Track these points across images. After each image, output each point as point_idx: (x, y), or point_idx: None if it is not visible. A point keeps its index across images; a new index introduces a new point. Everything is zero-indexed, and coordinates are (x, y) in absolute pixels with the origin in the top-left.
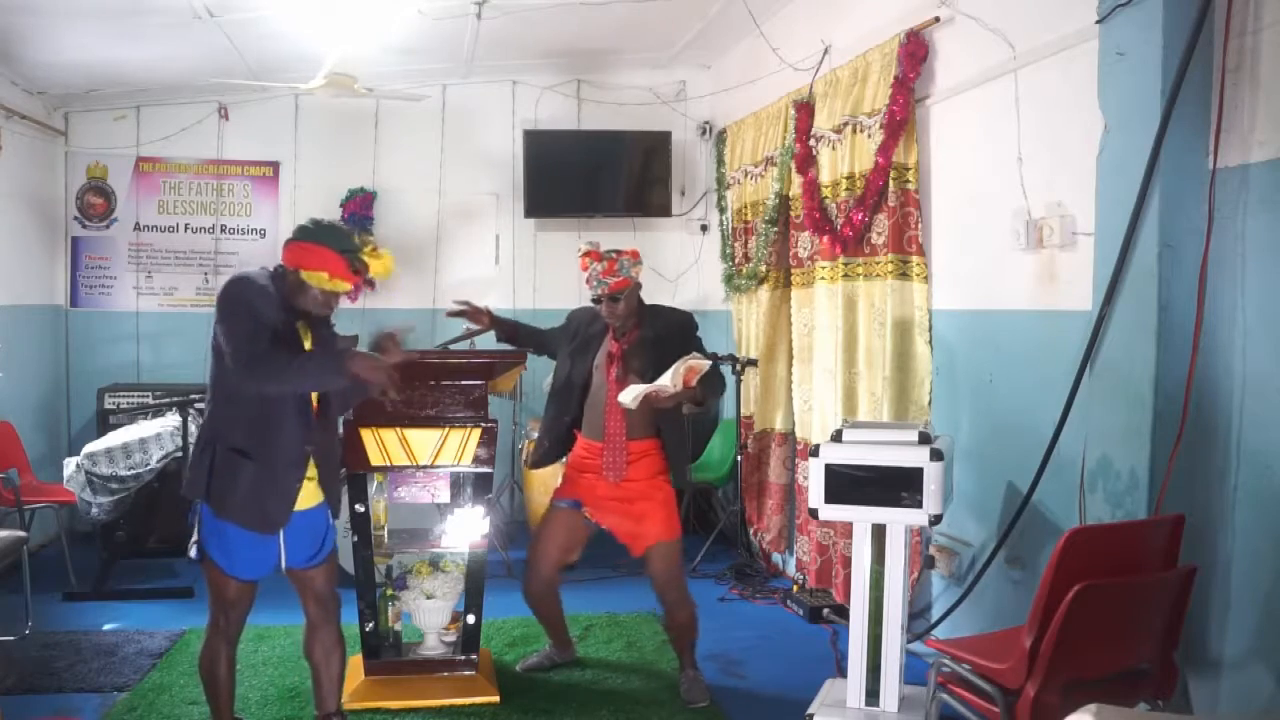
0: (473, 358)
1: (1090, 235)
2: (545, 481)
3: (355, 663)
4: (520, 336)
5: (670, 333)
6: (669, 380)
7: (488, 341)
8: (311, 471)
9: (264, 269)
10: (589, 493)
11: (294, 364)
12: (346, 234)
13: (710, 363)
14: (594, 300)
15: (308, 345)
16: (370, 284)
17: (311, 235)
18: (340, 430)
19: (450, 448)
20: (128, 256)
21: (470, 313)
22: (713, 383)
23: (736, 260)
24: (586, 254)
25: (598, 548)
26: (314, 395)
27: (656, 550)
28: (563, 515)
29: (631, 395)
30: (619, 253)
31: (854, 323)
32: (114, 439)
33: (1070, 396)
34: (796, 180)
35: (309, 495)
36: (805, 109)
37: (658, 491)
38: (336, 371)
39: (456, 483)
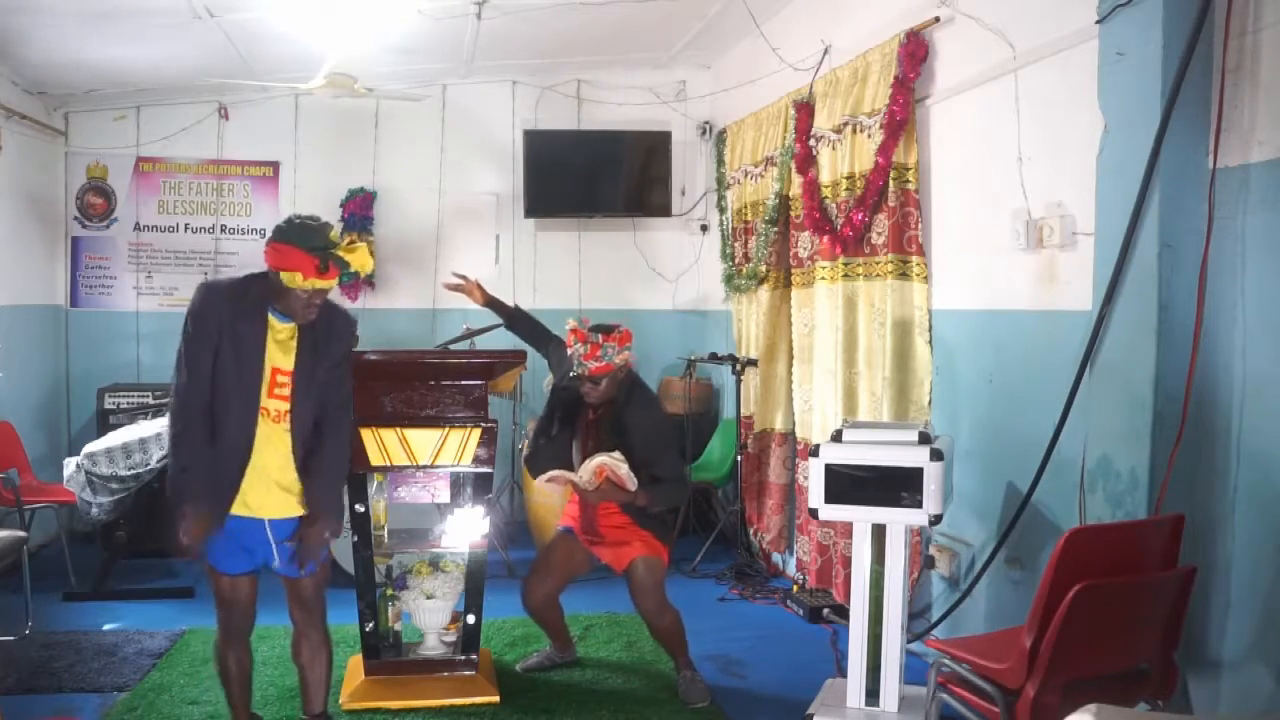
0: (473, 358)
1: (1090, 235)
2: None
3: (355, 663)
4: (516, 321)
5: (639, 425)
6: (579, 476)
7: (488, 341)
8: (290, 482)
9: (248, 273)
10: (576, 522)
11: (176, 424)
12: (319, 231)
13: (625, 465)
14: (574, 378)
15: (282, 349)
16: (370, 282)
17: (284, 235)
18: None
19: (450, 448)
20: (128, 256)
21: (466, 287)
22: (666, 494)
23: (736, 260)
24: (573, 330)
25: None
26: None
27: (637, 563)
28: (563, 541)
29: (545, 477)
30: (606, 335)
31: (854, 323)
32: (114, 439)
33: (1070, 396)
34: (796, 180)
35: (288, 504)
36: (805, 109)
37: (640, 530)
38: (174, 487)
39: (456, 483)
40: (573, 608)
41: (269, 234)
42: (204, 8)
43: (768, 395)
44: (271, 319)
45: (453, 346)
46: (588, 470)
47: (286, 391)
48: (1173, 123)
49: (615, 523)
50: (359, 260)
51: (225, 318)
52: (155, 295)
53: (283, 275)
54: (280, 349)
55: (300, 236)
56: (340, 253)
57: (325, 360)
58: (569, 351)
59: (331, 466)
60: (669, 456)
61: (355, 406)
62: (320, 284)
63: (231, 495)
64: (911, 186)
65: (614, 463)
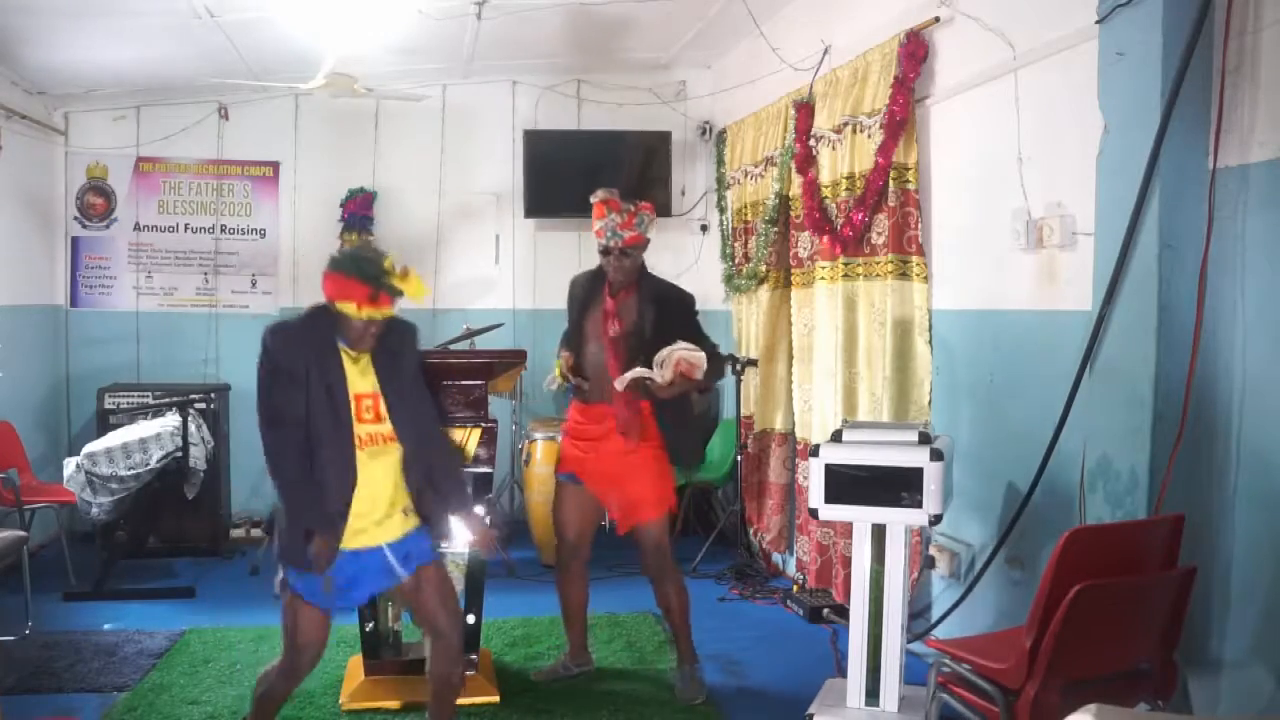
0: (473, 358)
1: (1090, 235)
2: (545, 481)
3: (355, 663)
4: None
5: (668, 302)
6: (657, 373)
7: (488, 341)
8: (401, 502)
9: (310, 308)
10: (579, 465)
11: (282, 474)
12: (371, 260)
13: (701, 353)
14: (602, 251)
15: (360, 374)
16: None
17: (338, 265)
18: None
19: None
20: (128, 256)
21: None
22: (715, 371)
23: (736, 260)
24: (605, 201)
25: (597, 548)
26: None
27: (642, 529)
28: (569, 489)
29: (629, 375)
30: (638, 205)
31: (854, 323)
32: (114, 439)
33: (1070, 396)
34: (796, 180)
35: (399, 525)
36: (805, 109)
37: (651, 464)
38: (295, 517)
39: None
40: None
41: (326, 264)
42: (204, 8)
43: (767, 395)
44: (343, 347)
45: (453, 346)
46: (666, 368)
47: (372, 415)
48: (1172, 123)
49: (624, 445)
50: (412, 289)
51: (310, 356)
52: (155, 295)
53: (339, 305)
54: (359, 374)
55: (354, 266)
56: (394, 281)
57: (406, 374)
58: (598, 223)
59: (451, 484)
60: (702, 332)
61: None
62: (374, 313)
63: (339, 531)
64: (911, 186)
65: (689, 353)
